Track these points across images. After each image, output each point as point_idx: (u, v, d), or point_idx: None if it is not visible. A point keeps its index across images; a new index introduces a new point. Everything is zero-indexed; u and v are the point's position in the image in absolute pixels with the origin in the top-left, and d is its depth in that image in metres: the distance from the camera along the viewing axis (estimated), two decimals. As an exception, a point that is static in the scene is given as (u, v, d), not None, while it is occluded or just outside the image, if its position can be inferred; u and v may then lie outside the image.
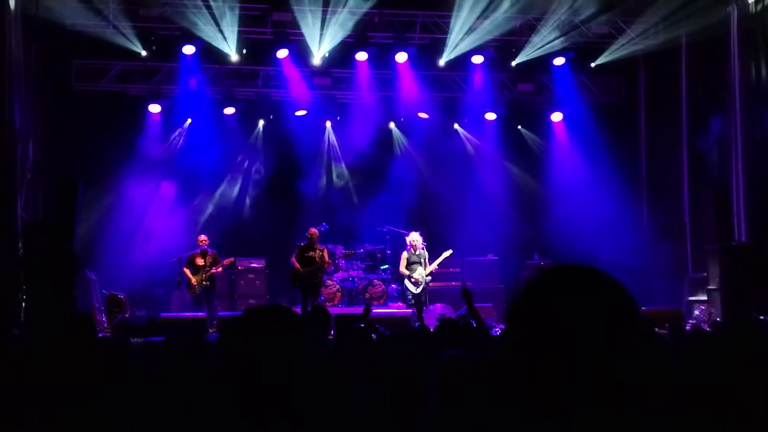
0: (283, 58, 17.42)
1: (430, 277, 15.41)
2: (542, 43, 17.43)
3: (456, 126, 19.56)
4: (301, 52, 17.33)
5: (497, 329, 12.08)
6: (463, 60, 17.87)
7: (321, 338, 7.69)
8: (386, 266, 17.63)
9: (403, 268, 15.33)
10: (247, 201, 18.95)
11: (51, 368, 3.41)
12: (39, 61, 15.00)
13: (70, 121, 16.80)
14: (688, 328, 12.12)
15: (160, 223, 17.67)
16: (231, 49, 17.08)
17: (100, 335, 8.76)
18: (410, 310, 15.06)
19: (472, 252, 18.01)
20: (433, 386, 3.85)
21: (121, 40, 16.55)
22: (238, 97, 18.35)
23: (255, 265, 17.81)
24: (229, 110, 18.41)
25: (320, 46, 17.18)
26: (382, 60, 17.80)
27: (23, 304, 12.35)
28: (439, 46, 17.73)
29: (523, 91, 18.71)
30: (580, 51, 17.81)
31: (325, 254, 15.36)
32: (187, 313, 15.72)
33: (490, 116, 19.07)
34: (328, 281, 16.88)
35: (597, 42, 17.74)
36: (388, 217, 17.93)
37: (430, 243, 15.81)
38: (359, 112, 18.80)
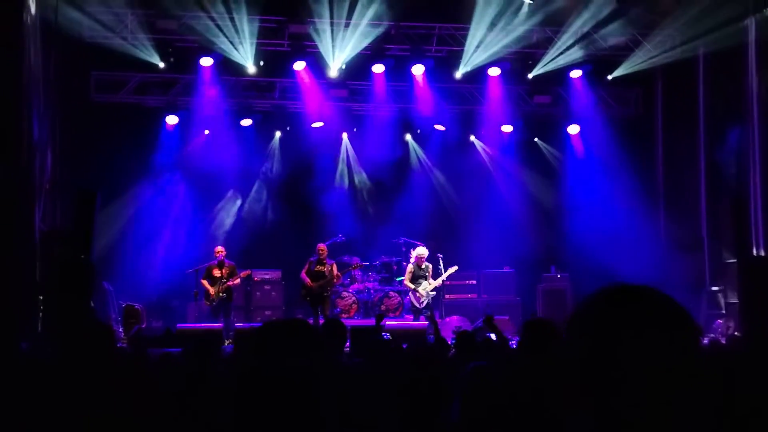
0: (300, 70, 17.48)
1: (434, 293, 15.44)
2: (559, 55, 17.40)
3: (472, 138, 19.52)
4: (317, 64, 17.38)
5: (514, 342, 12.02)
6: (479, 72, 17.87)
7: (336, 350, 7.68)
8: (402, 278, 17.60)
9: (407, 282, 15.37)
10: (263, 212, 18.96)
11: (70, 378, 3.42)
12: (58, 73, 15.08)
13: (88, 133, 16.86)
14: (706, 341, 12.01)
15: (176, 234, 17.73)
16: (248, 61, 17.14)
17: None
18: (426, 323, 15.02)
19: (489, 264, 17.98)
20: (458, 397, 3.83)
21: (139, 52, 16.63)
22: (255, 108, 18.43)
23: (271, 276, 17.80)
24: (246, 122, 18.49)
25: (337, 59, 17.22)
26: (398, 72, 17.83)
27: (40, 314, 12.40)
28: (455, 59, 17.74)
29: (539, 103, 18.69)
30: (597, 63, 17.78)
31: (335, 268, 15.48)
32: (203, 324, 15.73)
33: (507, 128, 19.05)
34: (344, 293, 16.90)
35: (614, 54, 17.69)
36: (404, 229, 17.92)
37: (446, 255, 15.79)
38: (376, 124, 18.83)
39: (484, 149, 19.55)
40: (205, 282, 15.35)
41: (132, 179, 17.40)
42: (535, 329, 4.89)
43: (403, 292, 17.29)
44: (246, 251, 17.56)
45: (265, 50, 17.30)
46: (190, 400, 4.15)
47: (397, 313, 16.95)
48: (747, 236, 15.24)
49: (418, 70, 17.71)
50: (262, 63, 17.42)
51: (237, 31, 16.60)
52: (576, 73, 17.92)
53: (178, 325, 15.43)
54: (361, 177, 19.37)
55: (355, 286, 17.35)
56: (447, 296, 17.10)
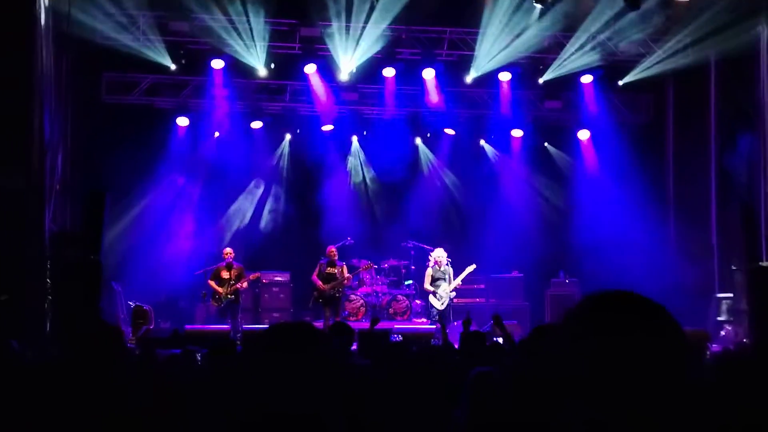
0: (310, 74, 17.51)
1: (454, 293, 15.35)
2: (570, 60, 17.36)
3: (482, 142, 19.51)
4: (328, 67, 17.40)
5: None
6: (490, 76, 17.85)
7: (343, 352, 7.70)
8: (410, 281, 17.61)
9: (427, 285, 15.27)
10: (273, 214, 18.96)
11: (79, 378, 3.42)
12: (69, 74, 15.14)
13: (99, 134, 16.92)
14: (716, 348, 11.96)
15: (185, 235, 17.76)
16: (259, 64, 17.17)
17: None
18: (435, 326, 15.01)
19: (497, 269, 17.94)
20: (463, 403, 3.83)
21: (150, 54, 16.66)
22: (265, 111, 18.46)
23: (279, 278, 17.81)
24: (257, 124, 18.52)
25: (348, 62, 17.23)
26: (409, 76, 17.83)
27: (49, 314, 12.44)
28: (466, 63, 17.73)
29: (550, 108, 18.65)
30: (608, 69, 17.72)
31: (345, 270, 15.52)
32: (211, 326, 15.78)
33: (517, 133, 19.04)
34: (352, 296, 16.91)
35: (625, 60, 17.63)
36: (412, 233, 17.93)
37: (455, 259, 15.77)
38: (386, 127, 18.83)
39: (494, 154, 19.53)
40: (212, 283, 15.34)
41: (142, 180, 17.44)
42: (544, 335, 4.87)
43: (411, 295, 17.30)
44: (254, 253, 17.60)
45: (276, 53, 17.32)
46: (197, 401, 4.16)
47: (405, 317, 16.95)
48: (757, 243, 15.16)
49: (428, 74, 17.71)
50: (273, 66, 17.44)
51: (249, 33, 16.62)
52: (587, 79, 17.89)
53: (186, 326, 15.49)
54: (370, 180, 19.38)
55: (364, 289, 17.35)
56: (455, 300, 17.07)
